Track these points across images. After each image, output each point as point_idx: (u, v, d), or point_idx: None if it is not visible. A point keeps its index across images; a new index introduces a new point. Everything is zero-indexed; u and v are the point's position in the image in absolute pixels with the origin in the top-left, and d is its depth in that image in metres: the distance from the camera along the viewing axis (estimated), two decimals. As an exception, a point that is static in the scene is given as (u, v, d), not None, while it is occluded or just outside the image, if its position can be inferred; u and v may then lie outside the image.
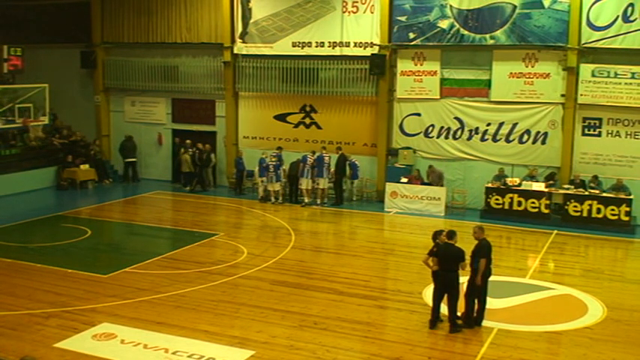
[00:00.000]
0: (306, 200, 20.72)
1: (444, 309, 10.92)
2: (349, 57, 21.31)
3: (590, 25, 18.47)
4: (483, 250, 10.72)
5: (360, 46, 21.00)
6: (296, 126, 22.61)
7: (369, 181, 21.73)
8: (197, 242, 16.18)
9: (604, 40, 18.40)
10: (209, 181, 23.29)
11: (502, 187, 19.07)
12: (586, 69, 18.71)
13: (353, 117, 21.89)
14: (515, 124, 19.75)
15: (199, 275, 13.54)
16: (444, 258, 10.61)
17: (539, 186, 18.76)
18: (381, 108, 21.14)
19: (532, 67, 19.33)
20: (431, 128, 20.71)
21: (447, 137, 20.56)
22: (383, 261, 15.49)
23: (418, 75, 20.56)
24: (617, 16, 18.16)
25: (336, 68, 21.57)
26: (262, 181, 21.14)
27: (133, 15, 24.17)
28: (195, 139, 23.17)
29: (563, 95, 19.09)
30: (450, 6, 19.78)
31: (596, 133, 19.07)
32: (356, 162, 21.13)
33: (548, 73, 19.22)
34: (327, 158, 20.63)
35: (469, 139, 20.32)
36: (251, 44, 22.50)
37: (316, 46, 21.57)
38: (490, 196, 19.07)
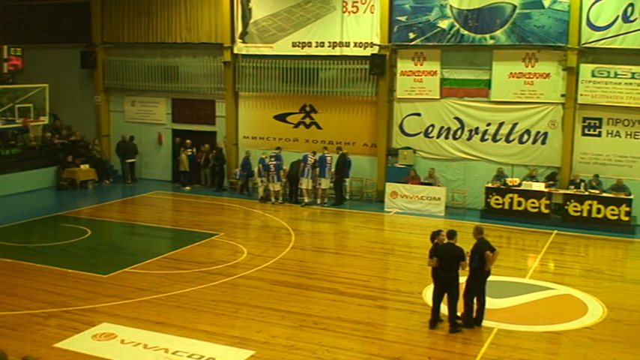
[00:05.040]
0: (306, 200, 20.72)
1: (444, 309, 10.92)
2: (349, 57, 21.31)
3: (590, 25, 18.47)
4: (484, 247, 10.70)
5: (360, 46, 21.00)
6: (296, 126, 22.61)
7: (369, 181, 21.74)
8: (197, 242, 16.18)
9: (604, 40, 18.40)
10: (208, 180, 23.37)
11: (502, 187, 19.07)
12: (586, 69, 18.71)
13: (353, 117, 21.89)
14: (515, 124, 19.75)
15: (199, 275, 13.54)
16: (444, 257, 10.61)
17: (539, 186, 18.76)
18: (381, 108, 21.14)
19: (532, 67, 19.33)
20: (431, 128, 20.71)
21: (447, 137, 20.56)
22: (383, 261, 15.49)
23: (418, 75, 20.56)
24: (617, 16, 18.15)
25: (336, 68, 21.57)
26: (262, 181, 21.14)
27: (133, 15, 24.17)
28: (195, 140, 23.23)
29: (563, 95, 19.09)
30: (450, 6, 19.78)
31: (596, 133, 19.06)
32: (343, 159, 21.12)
33: (548, 73, 19.22)
34: (329, 158, 20.65)
35: (469, 139, 20.32)
36: (251, 44, 22.50)
37: (316, 46, 21.57)
38: (490, 196, 19.06)
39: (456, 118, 20.39)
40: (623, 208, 17.77)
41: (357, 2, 20.91)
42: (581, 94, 18.83)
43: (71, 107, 25.61)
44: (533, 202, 18.57)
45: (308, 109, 22.45)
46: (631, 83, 18.33)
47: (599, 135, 19.02)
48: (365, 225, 18.70)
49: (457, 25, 19.77)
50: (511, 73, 19.54)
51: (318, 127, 22.33)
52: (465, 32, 19.72)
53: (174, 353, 9.74)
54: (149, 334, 10.39)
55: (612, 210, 17.89)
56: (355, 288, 12.91)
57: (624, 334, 10.92)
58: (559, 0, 18.60)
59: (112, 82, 25.02)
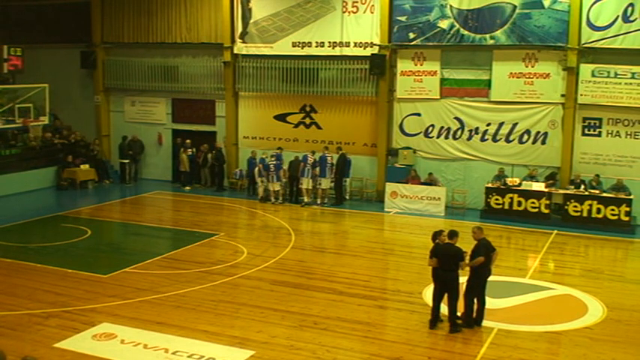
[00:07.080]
0: (306, 200, 20.72)
1: (444, 309, 10.92)
2: (349, 57, 21.31)
3: (590, 25, 18.47)
4: (482, 250, 10.72)
5: (360, 46, 21.01)
6: (296, 126, 22.61)
7: (369, 181, 21.74)
8: (197, 242, 16.18)
9: (604, 40, 18.40)
10: (208, 180, 23.38)
11: (502, 187, 19.07)
12: (586, 69, 18.72)
13: (353, 117, 21.89)
14: (515, 124, 19.75)
15: (199, 275, 13.54)
16: (444, 257, 10.61)
17: (539, 186, 18.76)
18: (381, 108, 21.14)
19: (532, 67, 19.33)
20: (431, 128, 20.71)
21: (447, 137, 20.56)
22: (383, 261, 15.49)
23: (418, 75, 20.56)
24: (617, 16, 18.16)
25: (336, 68, 21.57)
26: (262, 181, 21.14)
27: (133, 15, 24.17)
28: (195, 140, 23.24)
29: (563, 95, 19.09)
30: (450, 6, 19.78)
31: (596, 133, 19.07)
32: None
33: (548, 73, 19.22)
34: (329, 158, 20.65)
35: (469, 139, 20.33)
36: (251, 44, 22.50)
37: (316, 46, 21.57)
38: (490, 196, 19.07)
39: (456, 118, 20.39)
40: (623, 208, 17.77)
41: (357, 2, 20.92)
42: (581, 94, 18.84)
43: (71, 107, 25.61)
44: (533, 202, 18.57)
45: (308, 109, 22.45)
46: (631, 83, 18.33)
47: (599, 135, 19.02)
48: (365, 225, 18.70)
49: (457, 25, 19.77)
50: (511, 73, 19.54)
51: (318, 127, 22.33)
52: (465, 32, 19.71)
53: (174, 353, 9.73)
54: (149, 334, 10.39)
55: (612, 210, 17.89)
56: (355, 288, 12.91)
57: (624, 334, 10.92)
58: (559, 0, 18.61)
59: (112, 82, 25.01)
